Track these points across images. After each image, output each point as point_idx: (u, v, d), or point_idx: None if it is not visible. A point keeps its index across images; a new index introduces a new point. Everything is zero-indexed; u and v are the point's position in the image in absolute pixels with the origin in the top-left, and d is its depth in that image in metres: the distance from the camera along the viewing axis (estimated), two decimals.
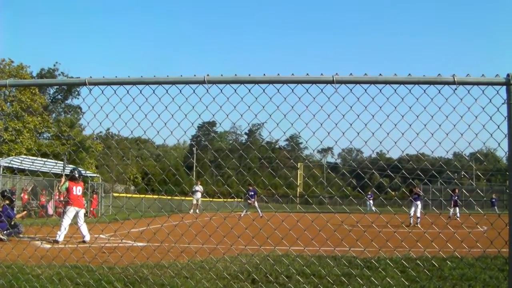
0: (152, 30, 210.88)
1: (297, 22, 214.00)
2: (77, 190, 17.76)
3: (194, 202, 41.59)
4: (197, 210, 40.58)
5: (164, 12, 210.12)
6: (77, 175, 18.27)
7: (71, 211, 17.27)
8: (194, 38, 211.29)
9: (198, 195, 41.81)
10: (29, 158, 37.06)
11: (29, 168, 32.63)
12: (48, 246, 14.58)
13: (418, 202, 29.56)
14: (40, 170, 31.78)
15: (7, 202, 19.27)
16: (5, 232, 17.66)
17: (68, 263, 9.36)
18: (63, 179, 18.87)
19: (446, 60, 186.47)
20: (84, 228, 16.49)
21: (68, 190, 17.83)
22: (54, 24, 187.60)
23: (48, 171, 32.23)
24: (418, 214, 29.26)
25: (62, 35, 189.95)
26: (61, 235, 16.30)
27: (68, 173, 18.78)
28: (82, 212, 17.84)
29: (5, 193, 19.97)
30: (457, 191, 41.35)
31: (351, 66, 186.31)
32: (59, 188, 18.34)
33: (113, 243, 15.47)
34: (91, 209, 39.49)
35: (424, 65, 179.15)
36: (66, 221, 16.84)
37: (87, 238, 16.26)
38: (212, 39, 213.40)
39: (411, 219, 28.87)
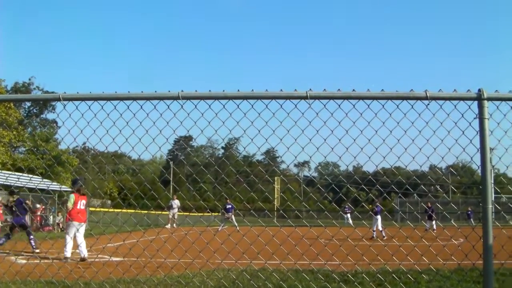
0: (131, 44, 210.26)
1: (269, 37, 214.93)
2: (81, 204, 17.12)
3: (170, 216, 41.46)
4: (174, 225, 40.46)
5: (144, 25, 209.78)
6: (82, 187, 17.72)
7: (72, 226, 16.76)
8: (170, 53, 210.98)
9: (175, 209, 41.72)
10: (3, 173, 36.75)
11: (3, 183, 32.33)
12: (23, 261, 14.44)
13: (378, 216, 30.04)
14: (15, 185, 31.49)
15: (17, 197, 19.60)
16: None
17: (43, 278, 9.30)
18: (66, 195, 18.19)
19: (418, 75, 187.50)
20: (83, 246, 16.02)
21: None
22: (30, 37, 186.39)
23: (23, 186, 31.98)
24: (380, 228, 29.65)
25: (38, 49, 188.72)
26: (68, 251, 15.92)
27: (73, 185, 18.13)
28: (83, 227, 17.15)
29: (14, 191, 20.31)
30: (429, 204, 41.86)
31: (325, 82, 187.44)
32: (67, 205, 17.68)
33: (88, 258, 15.36)
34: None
35: (397, 81, 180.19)
36: (69, 236, 16.35)
37: (86, 255, 15.78)
38: (189, 54, 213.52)
39: (375, 232, 29.26)
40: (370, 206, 32.42)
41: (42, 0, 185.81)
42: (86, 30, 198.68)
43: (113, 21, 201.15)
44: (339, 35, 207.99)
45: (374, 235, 29.15)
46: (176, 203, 42.17)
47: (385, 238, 28.18)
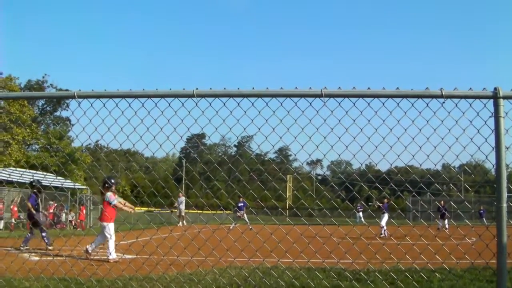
0: (145, 41, 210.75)
1: (285, 36, 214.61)
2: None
3: (178, 214, 41.59)
4: (184, 222, 40.44)
5: (158, 21, 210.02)
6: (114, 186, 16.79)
7: (111, 227, 15.65)
8: (185, 51, 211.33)
9: (182, 206, 41.76)
10: (17, 171, 36.94)
11: (18, 181, 32.43)
12: (37, 258, 14.47)
13: (386, 214, 29.85)
14: (29, 182, 31.61)
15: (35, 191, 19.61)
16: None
17: (56, 276, 9.30)
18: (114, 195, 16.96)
19: (434, 73, 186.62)
20: (111, 244, 15.16)
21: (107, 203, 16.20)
22: (43, 35, 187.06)
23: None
24: (382, 224, 29.41)
25: (52, 46, 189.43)
26: (112, 253, 14.95)
27: (108, 183, 16.50)
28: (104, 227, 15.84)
29: (33, 183, 20.22)
30: (442, 203, 41.65)
31: (340, 80, 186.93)
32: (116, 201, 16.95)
33: (101, 256, 15.38)
34: (79, 221, 39.59)
35: (412, 79, 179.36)
36: (111, 237, 15.29)
37: (111, 256, 14.88)
38: (204, 52, 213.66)
39: (385, 231, 29.06)
40: (377, 204, 32.23)
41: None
42: (98, 30, 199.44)
43: (122, 22, 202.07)
44: (353, 35, 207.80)
45: (383, 232, 28.90)
46: (181, 200, 42.17)
47: (382, 236, 27.82)
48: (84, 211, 40.77)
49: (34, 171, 33.20)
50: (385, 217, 29.91)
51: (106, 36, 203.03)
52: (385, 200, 31.86)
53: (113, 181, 16.71)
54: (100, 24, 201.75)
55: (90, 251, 15.35)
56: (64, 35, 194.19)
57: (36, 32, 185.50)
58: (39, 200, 19.97)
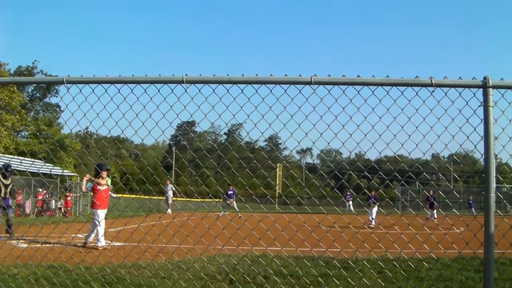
0: (137, 29, 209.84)
1: (276, 23, 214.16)
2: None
3: (165, 200, 41.88)
4: (170, 210, 40.42)
5: (148, 9, 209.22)
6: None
7: (100, 213, 15.74)
8: (176, 37, 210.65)
9: (171, 193, 41.94)
10: (5, 157, 36.78)
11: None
12: (25, 245, 14.44)
13: (375, 207, 30.04)
14: (17, 169, 31.47)
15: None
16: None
17: (44, 262, 9.28)
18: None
19: (423, 62, 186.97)
20: (100, 231, 15.29)
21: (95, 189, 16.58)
22: (34, 22, 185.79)
23: (25, 169, 31.94)
24: (372, 217, 29.65)
25: (42, 33, 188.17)
26: (101, 240, 15.14)
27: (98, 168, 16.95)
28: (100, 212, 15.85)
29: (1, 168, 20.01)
30: (431, 192, 41.81)
31: (331, 68, 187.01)
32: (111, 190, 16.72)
33: (90, 243, 15.35)
34: (68, 208, 39.51)
35: (402, 67, 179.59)
36: (100, 224, 15.32)
37: (100, 244, 15.05)
38: (194, 38, 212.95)
39: (373, 221, 29.32)
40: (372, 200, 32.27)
41: None
42: (89, 18, 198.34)
43: (117, 14, 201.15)
44: (344, 22, 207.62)
45: (373, 223, 29.10)
46: (169, 187, 42.32)
47: (371, 226, 28.09)
48: (69, 197, 40.62)
49: (22, 158, 33.10)
50: (375, 208, 30.09)
51: (101, 28, 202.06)
52: (373, 193, 32.07)
53: (102, 167, 16.86)
54: (91, 13, 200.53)
55: (87, 241, 15.37)
56: (55, 23, 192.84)
57: (29, 22, 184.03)
58: (7, 185, 19.65)
